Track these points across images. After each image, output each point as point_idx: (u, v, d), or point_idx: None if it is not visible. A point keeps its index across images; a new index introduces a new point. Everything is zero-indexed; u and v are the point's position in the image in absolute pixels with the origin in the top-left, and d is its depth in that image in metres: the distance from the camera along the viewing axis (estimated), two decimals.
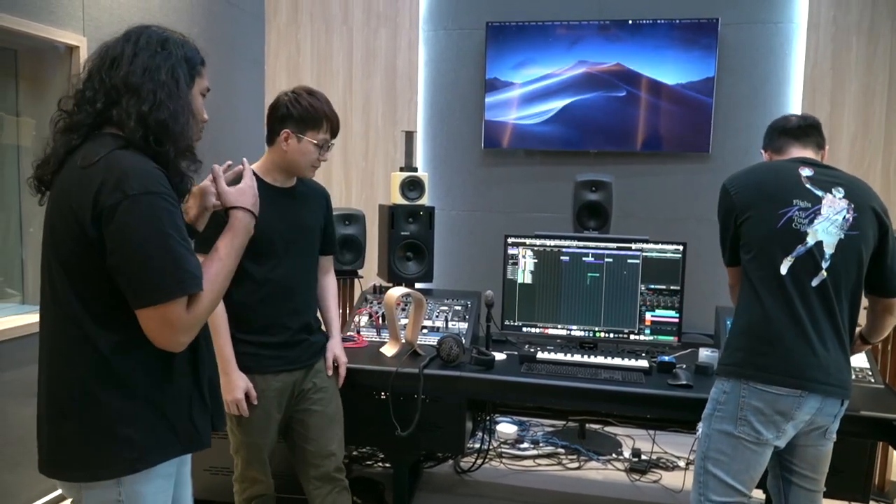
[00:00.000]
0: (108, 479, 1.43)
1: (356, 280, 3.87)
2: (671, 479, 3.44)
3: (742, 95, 4.33)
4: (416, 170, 3.81)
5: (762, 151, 2.38)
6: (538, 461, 3.68)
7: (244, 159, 1.80)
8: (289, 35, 4.81)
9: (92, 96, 1.45)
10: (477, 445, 3.58)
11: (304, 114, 2.20)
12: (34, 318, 2.94)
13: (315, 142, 2.22)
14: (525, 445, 3.83)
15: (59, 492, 3.06)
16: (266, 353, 2.26)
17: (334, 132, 2.28)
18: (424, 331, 3.03)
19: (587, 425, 3.90)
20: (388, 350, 2.84)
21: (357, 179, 4.84)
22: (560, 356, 2.76)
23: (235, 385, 2.18)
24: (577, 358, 2.75)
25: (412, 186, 3.70)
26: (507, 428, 3.89)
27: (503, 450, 3.76)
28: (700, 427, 2.13)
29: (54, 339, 1.46)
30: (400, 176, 3.71)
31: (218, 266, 1.52)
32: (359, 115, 4.81)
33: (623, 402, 2.53)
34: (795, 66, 4.29)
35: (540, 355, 2.76)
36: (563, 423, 3.96)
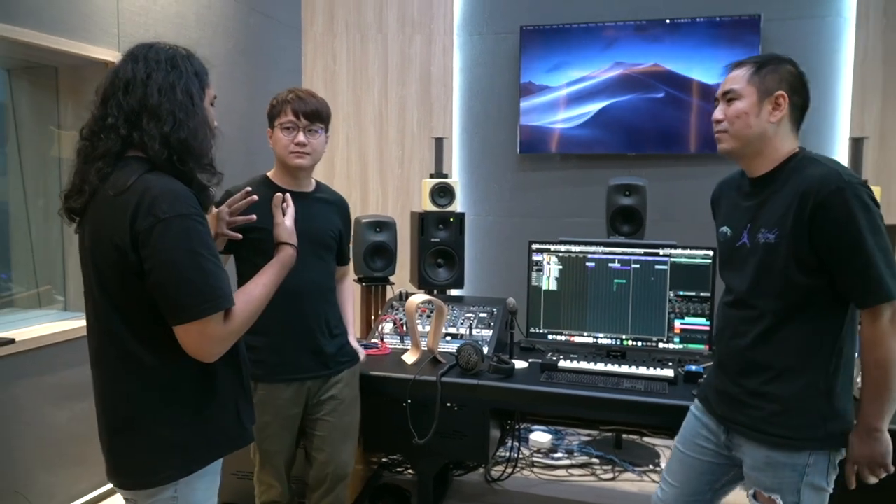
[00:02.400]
0: (166, 484, 1.50)
1: (388, 287, 3.88)
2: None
3: None
4: (446, 176, 3.80)
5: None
6: (571, 471, 3.61)
7: (287, 195, 1.91)
8: (325, 44, 4.87)
9: (114, 122, 1.48)
10: (513, 454, 3.53)
11: (269, 109, 2.31)
12: (75, 323, 3.05)
13: (282, 124, 2.25)
14: (559, 455, 3.76)
15: (97, 492, 3.17)
16: (273, 359, 2.26)
17: (300, 113, 2.24)
18: (448, 338, 3.01)
19: (624, 435, 3.81)
20: (409, 357, 2.83)
21: (393, 186, 4.86)
22: (583, 365, 2.70)
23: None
24: (601, 367, 2.69)
25: (442, 193, 3.69)
26: (540, 437, 3.83)
27: (536, 459, 3.71)
28: (778, 499, 1.73)
29: (102, 359, 1.53)
30: (430, 182, 3.70)
31: (260, 290, 1.61)
32: (394, 122, 4.83)
33: (644, 413, 2.46)
34: (845, 61, 4.10)
35: (562, 364, 2.70)
36: (598, 432, 3.88)
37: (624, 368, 2.67)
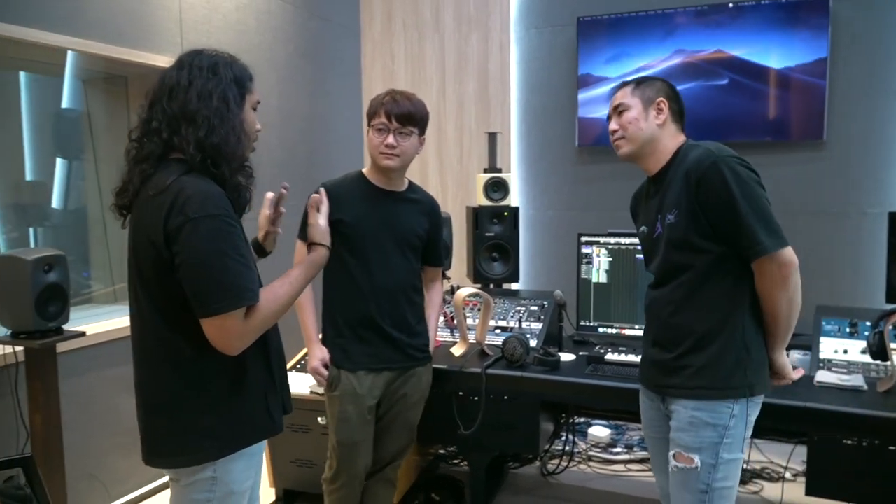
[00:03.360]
0: (198, 465, 1.59)
1: (445, 282, 3.92)
2: (772, 491, 3.22)
3: (860, 77, 3.97)
4: (499, 170, 3.82)
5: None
6: (629, 466, 3.56)
7: (322, 190, 1.95)
8: (383, 44, 4.96)
9: (158, 126, 1.58)
10: (568, 447, 3.52)
11: (367, 109, 2.37)
12: None
13: (375, 125, 2.32)
14: (618, 450, 3.72)
15: (166, 478, 3.34)
16: (356, 348, 2.35)
17: (392, 116, 2.29)
18: (497, 331, 3.03)
19: None
20: (457, 350, 2.87)
21: (452, 182, 4.91)
22: (630, 358, 2.68)
23: (312, 355, 2.38)
24: None
25: (496, 187, 3.72)
26: (599, 431, 3.80)
27: (593, 453, 3.68)
28: (696, 458, 1.87)
29: (141, 346, 1.64)
30: (484, 177, 3.73)
31: (286, 288, 1.65)
32: (452, 119, 4.87)
33: None
34: None
35: (609, 357, 2.68)
36: None
37: None
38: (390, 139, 2.29)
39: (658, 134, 1.98)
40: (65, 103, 3.36)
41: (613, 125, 2.05)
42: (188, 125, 1.55)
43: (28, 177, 3.20)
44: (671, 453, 1.93)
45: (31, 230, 3.24)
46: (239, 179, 1.63)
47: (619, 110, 2.03)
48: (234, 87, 1.61)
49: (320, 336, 2.45)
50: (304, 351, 3.36)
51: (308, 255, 1.82)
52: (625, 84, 2.07)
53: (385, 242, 2.35)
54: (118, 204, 1.64)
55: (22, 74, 3.14)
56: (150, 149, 1.58)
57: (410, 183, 2.50)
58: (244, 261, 1.54)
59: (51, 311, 2.43)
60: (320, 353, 2.37)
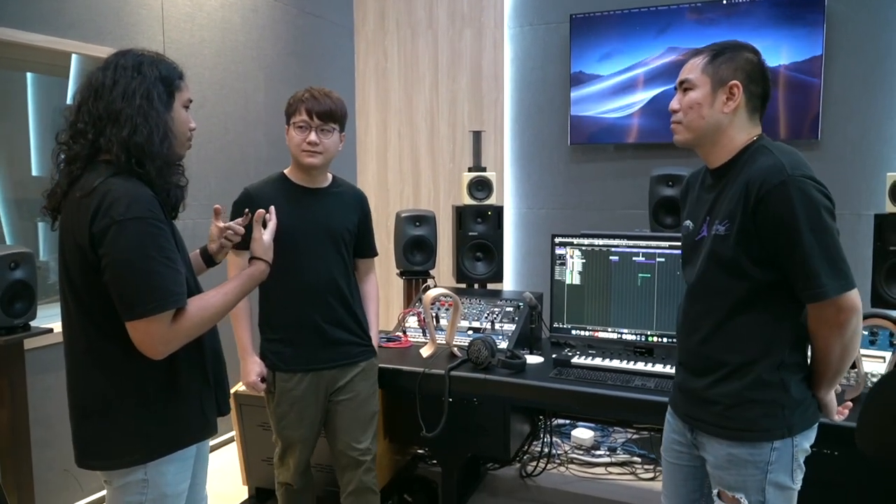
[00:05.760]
0: (133, 467, 1.59)
1: (429, 281, 3.91)
2: None
3: (855, 75, 3.88)
4: (484, 170, 3.79)
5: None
6: (610, 469, 3.52)
7: (272, 208, 1.92)
8: (376, 42, 4.95)
9: (83, 128, 1.58)
10: (546, 450, 3.50)
11: (286, 108, 2.35)
12: None
13: (295, 123, 2.29)
14: (600, 452, 3.68)
15: None
16: (289, 350, 2.34)
17: (312, 113, 2.27)
18: (470, 332, 3.01)
19: None
20: (426, 351, 2.85)
21: (444, 180, 4.88)
22: (597, 362, 2.64)
23: (249, 370, 2.35)
24: (615, 364, 2.62)
25: (480, 186, 3.70)
26: (582, 433, 3.76)
27: (574, 456, 3.64)
28: (743, 498, 1.67)
29: (71, 349, 1.63)
30: (468, 176, 3.71)
31: (219, 298, 1.65)
32: (445, 116, 4.85)
33: (649, 411, 2.36)
34: None
35: (575, 360, 2.65)
36: (648, 432, 3.77)
37: (639, 366, 2.59)
38: (312, 136, 2.27)
39: (724, 123, 1.68)
40: (69, 101, 3.40)
41: (674, 103, 1.74)
42: (112, 125, 1.54)
43: (34, 172, 3.24)
44: (715, 491, 1.74)
45: (38, 224, 3.28)
46: (168, 179, 1.61)
47: (683, 87, 1.73)
48: (161, 85, 1.60)
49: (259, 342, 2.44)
50: None
51: (248, 268, 1.80)
52: (699, 52, 1.73)
53: (312, 240, 2.33)
54: (48, 207, 1.63)
55: (29, 75, 3.18)
56: (76, 150, 1.57)
57: (334, 177, 2.47)
58: (171, 264, 1.53)
59: (17, 308, 2.45)
60: (257, 368, 2.35)
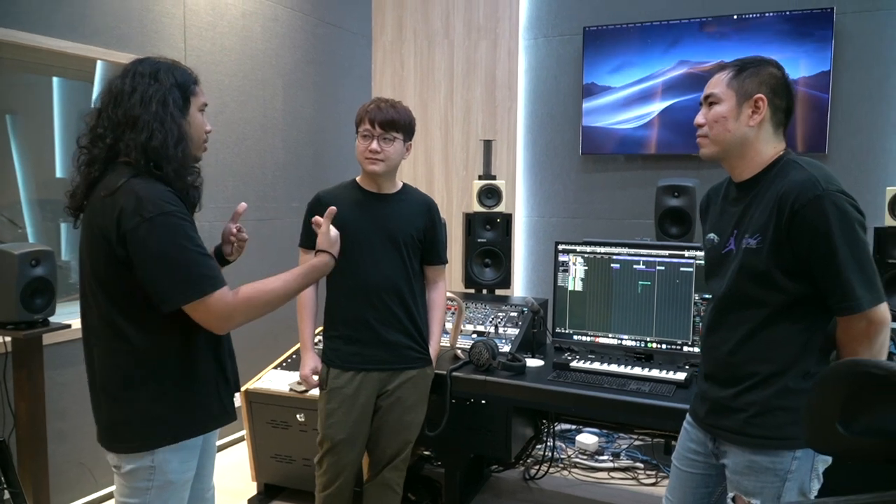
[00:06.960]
0: (146, 451, 1.68)
1: None
2: None
3: (862, 90, 3.91)
4: (494, 178, 3.88)
5: None
6: (613, 474, 3.57)
7: (333, 207, 1.98)
8: (394, 52, 5.05)
9: (103, 133, 1.68)
10: (549, 454, 3.55)
11: (356, 117, 2.45)
12: None
13: (360, 132, 2.40)
14: (604, 457, 3.73)
15: None
16: (347, 348, 2.41)
17: (375, 122, 2.37)
18: (474, 335, 3.09)
19: (673, 441, 3.71)
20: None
21: (457, 188, 4.97)
22: (595, 365, 2.70)
23: (304, 363, 2.48)
24: (613, 368, 2.68)
25: (489, 194, 3.78)
26: (587, 438, 3.81)
27: (578, 460, 3.70)
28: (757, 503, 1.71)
29: (96, 338, 1.72)
30: (478, 184, 3.79)
31: (277, 284, 1.73)
32: (459, 125, 4.93)
33: (644, 415, 2.43)
34: None
35: (574, 364, 2.71)
36: (650, 438, 3.82)
37: (636, 370, 2.65)
38: (374, 145, 2.36)
39: (750, 137, 1.71)
40: (94, 105, 3.52)
41: (700, 118, 1.78)
42: (131, 130, 1.64)
43: (58, 174, 3.37)
44: (730, 495, 1.77)
45: (61, 224, 3.40)
46: (184, 180, 1.71)
47: (709, 101, 1.76)
48: (177, 91, 1.69)
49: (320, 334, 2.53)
50: (290, 351, 3.46)
51: (313, 261, 1.88)
52: (724, 67, 1.77)
53: (375, 243, 2.40)
54: (71, 206, 1.73)
55: (55, 79, 3.31)
56: (95, 154, 1.67)
57: (404, 185, 2.55)
58: (202, 249, 1.64)
59: (37, 304, 2.56)
60: (312, 363, 2.47)
